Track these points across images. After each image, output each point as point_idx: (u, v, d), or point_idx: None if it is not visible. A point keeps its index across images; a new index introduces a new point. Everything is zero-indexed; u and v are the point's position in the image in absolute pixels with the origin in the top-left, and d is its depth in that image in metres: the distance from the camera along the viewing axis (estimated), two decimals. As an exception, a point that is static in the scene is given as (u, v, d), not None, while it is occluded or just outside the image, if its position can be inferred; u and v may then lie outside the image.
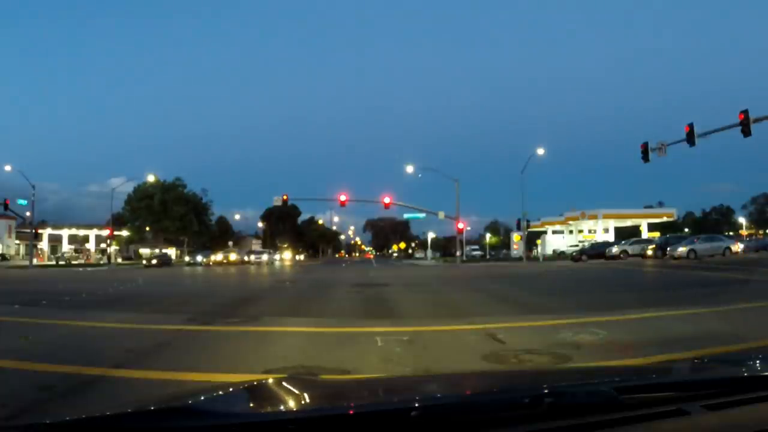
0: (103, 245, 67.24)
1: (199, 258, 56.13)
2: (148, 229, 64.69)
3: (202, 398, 1.47)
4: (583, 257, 40.05)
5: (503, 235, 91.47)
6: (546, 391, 1.38)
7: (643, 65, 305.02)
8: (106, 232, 60.08)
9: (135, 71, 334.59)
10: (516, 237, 53.41)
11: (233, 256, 56.05)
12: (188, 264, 54.20)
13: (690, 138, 25.76)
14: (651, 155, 28.16)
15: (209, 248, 65.65)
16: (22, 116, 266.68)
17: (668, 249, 33.82)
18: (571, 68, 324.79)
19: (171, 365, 5.31)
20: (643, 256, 36.65)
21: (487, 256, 70.50)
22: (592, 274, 22.43)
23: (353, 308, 11.31)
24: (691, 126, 25.80)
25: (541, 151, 43.03)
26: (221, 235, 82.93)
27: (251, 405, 1.46)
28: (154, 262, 48.84)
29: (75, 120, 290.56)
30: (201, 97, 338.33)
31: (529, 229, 51.17)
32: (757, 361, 2.09)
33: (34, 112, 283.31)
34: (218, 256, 55.80)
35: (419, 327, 7.95)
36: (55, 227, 76.53)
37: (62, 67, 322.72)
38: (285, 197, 44.17)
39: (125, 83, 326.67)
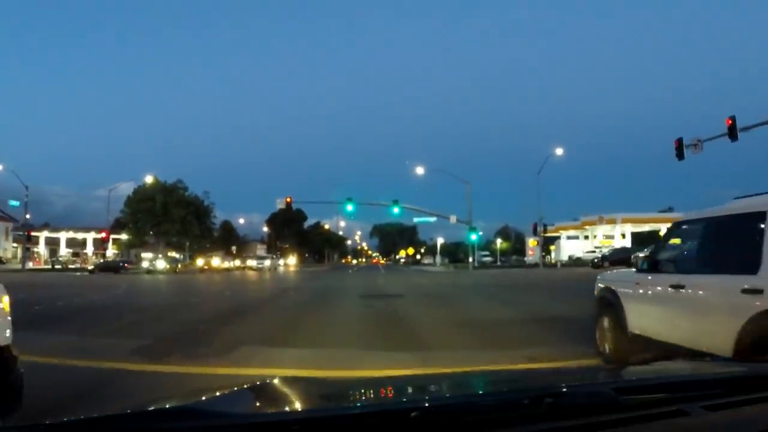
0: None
1: (159, 264, 44.88)
2: (150, 233, 62.82)
3: (204, 398, 1.39)
4: (605, 264, 37.69)
5: (514, 240, 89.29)
6: (546, 391, 1.34)
7: (656, 65, 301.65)
8: (104, 236, 58.20)
9: (137, 73, 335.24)
10: (532, 242, 51.18)
11: (216, 262, 52.08)
12: (148, 272, 42.24)
13: (732, 132, 23.44)
14: (686, 152, 25.89)
15: (193, 252, 62.77)
16: (25, 118, 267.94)
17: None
18: (583, 69, 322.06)
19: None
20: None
21: (498, 262, 68.44)
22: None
23: (362, 332, 8.95)
24: (733, 119, 23.45)
25: (559, 151, 40.78)
26: (226, 239, 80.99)
27: (252, 405, 1.40)
28: (91, 267, 43.32)
29: (82, 123, 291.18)
30: (203, 99, 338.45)
31: (544, 234, 48.79)
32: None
33: (38, 114, 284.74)
34: (200, 261, 51.41)
35: (455, 366, 5.49)
36: (53, 230, 74.82)
37: (64, 68, 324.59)
38: (288, 200, 42.10)
39: (128, 85, 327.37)
